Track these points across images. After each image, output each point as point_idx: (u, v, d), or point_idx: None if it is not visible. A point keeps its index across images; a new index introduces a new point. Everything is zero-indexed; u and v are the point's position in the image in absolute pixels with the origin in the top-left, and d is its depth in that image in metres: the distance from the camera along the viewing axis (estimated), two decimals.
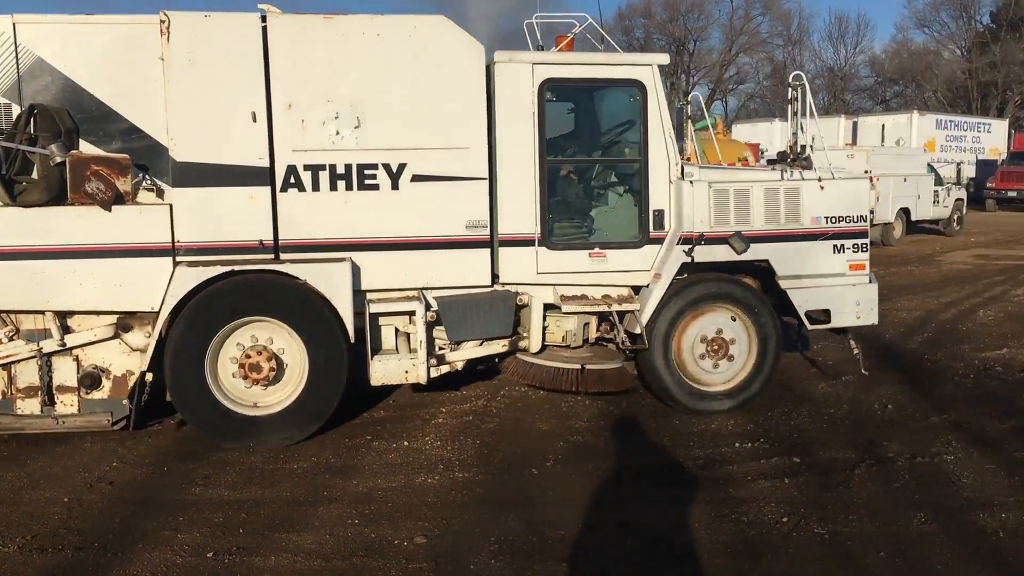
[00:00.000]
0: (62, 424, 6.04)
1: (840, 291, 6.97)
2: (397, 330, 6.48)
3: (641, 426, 6.59)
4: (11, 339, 5.98)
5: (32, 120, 5.80)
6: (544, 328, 6.75)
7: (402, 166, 6.18)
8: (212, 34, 5.92)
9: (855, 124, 31.64)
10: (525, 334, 6.67)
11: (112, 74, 5.96)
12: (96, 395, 6.08)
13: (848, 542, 4.56)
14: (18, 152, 5.79)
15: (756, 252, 6.76)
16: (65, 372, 6.04)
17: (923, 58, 51.36)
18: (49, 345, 5.98)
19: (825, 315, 6.99)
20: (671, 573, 4.30)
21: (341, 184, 6.12)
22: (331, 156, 6.09)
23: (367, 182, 6.15)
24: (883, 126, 30.61)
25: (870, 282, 7.07)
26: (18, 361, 5.99)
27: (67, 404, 6.07)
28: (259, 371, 6.00)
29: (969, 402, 7.05)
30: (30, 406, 6.01)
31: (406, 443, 6.22)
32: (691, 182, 6.63)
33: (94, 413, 6.07)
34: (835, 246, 6.94)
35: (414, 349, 6.34)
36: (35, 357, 5.96)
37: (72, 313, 6.00)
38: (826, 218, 6.91)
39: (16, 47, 5.90)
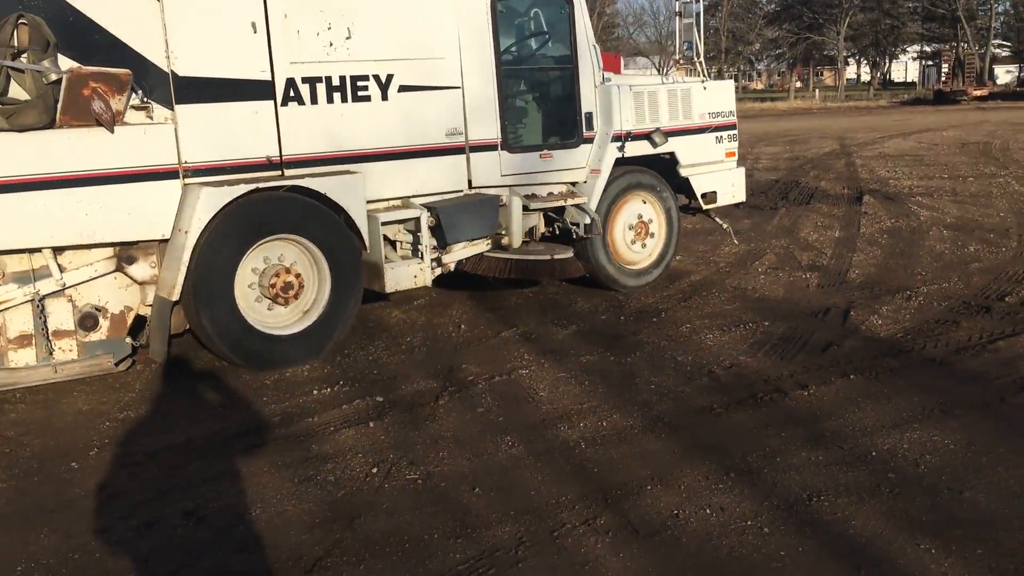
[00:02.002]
0: (61, 372, 5.50)
1: (721, 175, 8.24)
2: (386, 237, 6.49)
3: (203, 385, 5.77)
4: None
5: (15, 33, 5.08)
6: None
7: (390, 77, 6.32)
8: None
9: None
10: (504, 232, 6.98)
11: None
12: (94, 336, 5.64)
13: (442, 483, 4.28)
14: (1, 69, 5.07)
15: (665, 146, 7.68)
16: (60, 315, 5.51)
17: None
18: (47, 286, 5.41)
19: (713, 196, 8.19)
20: (251, 564, 3.67)
21: (337, 96, 6.13)
22: (326, 68, 6.07)
23: (360, 93, 6.21)
24: None
25: (738, 166, 8.39)
26: (6, 308, 5.35)
27: (65, 350, 5.55)
28: (289, 289, 5.95)
29: (533, 312, 7.25)
30: (24, 356, 5.45)
31: None
32: (617, 87, 7.39)
33: (95, 356, 5.61)
34: (716, 137, 8.15)
35: (404, 255, 6.58)
36: (32, 301, 5.39)
37: (63, 249, 5.45)
38: (709, 114, 8.04)
39: None
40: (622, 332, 6.63)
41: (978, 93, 43.95)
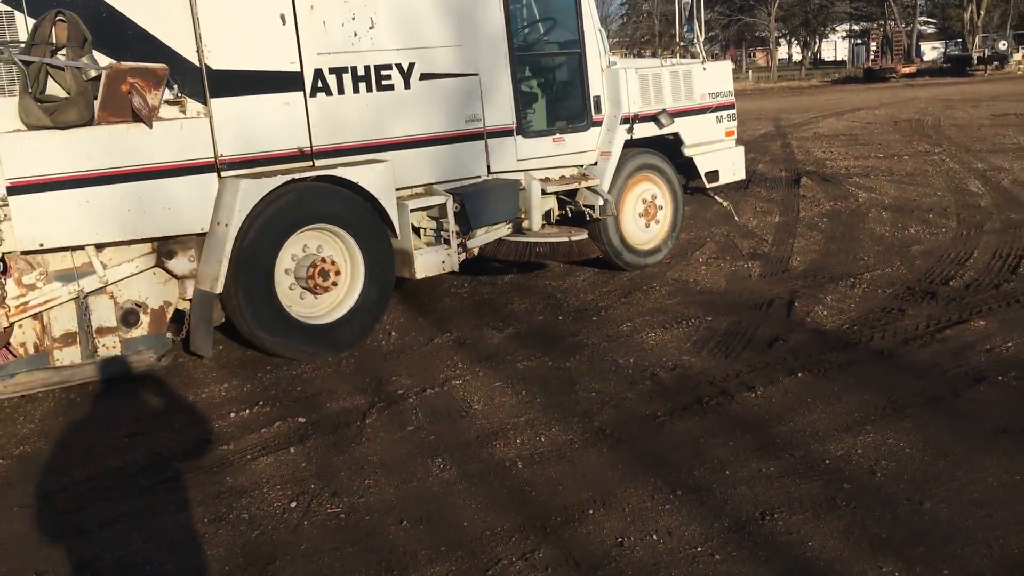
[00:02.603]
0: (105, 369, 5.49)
1: (722, 154, 8.41)
2: (411, 224, 6.52)
3: (110, 412, 5.30)
4: (43, 283, 5.28)
5: (53, 30, 5.05)
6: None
7: (412, 65, 6.36)
8: None
9: None
10: (523, 216, 7.09)
11: None
12: (135, 333, 5.64)
13: (367, 517, 3.91)
14: (41, 67, 5.05)
15: (670, 126, 7.81)
16: (103, 312, 5.49)
17: None
18: (90, 283, 5.40)
19: (715, 175, 8.36)
20: None
21: (362, 86, 6.16)
22: (352, 58, 6.10)
23: (384, 83, 6.25)
24: None
25: (736, 145, 8.59)
26: (52, 307, 5.33)
27: (109, 347, 5.53)
28: (326, 278, 5.97)
29: (467, 314, 6.90)
30: (69, 355, 5.42)
31: None
32: (624, 69, 7.53)
33: (138, 352, 5.61)
34: (717, 117, 8.30)
35: (428, 242, 6.63)
36: (77, 299, 5.37)
37: (103, 246, 5.44)
38: (709, 94, 8.21)
39: None
40: (561, 333, 6.32)
41: (907, 70, 44.62)
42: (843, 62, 70.43)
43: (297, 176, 5.79)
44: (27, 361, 5.34)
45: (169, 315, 5.80)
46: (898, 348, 5.53)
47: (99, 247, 5.42)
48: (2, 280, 5.17)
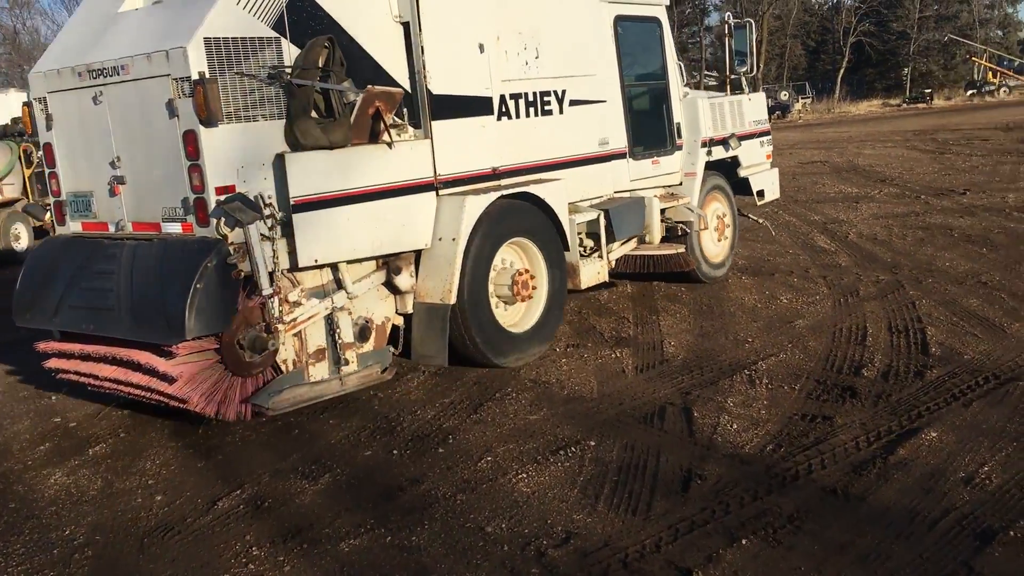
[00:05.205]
0: (346, 384, 5.55)
1: (766, 175, 9.23)
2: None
3: None
4: (304, 300, 5.31)
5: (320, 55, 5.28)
6: None
7: (564, 92, 6.85)
8: None
9: None
10: (645, 230, 7.69)
11: (360, 11, 5.62)
12: (366, 347, 5.72)
13: None
14: (311, 90, 5.15)
15: (735, 150, 8.54)
16: (345, 328, 5.54)
17: None
18: (340, 299, 5.52)
19: (762, 194, 9.11)
20: None
21: (532, 111, 6.59)
22: (524, 85, 6.52)
23: (545, 108, 6.71)
24: None
25: (772, 167, 9.41)
26: (311, 324, 5.35)
27: (351, 362, 5.59)
28: (527, 288, 6.33)
29: (268, 451, 5.04)
30: (319, 371, 5.46)
31: None
32: (698, 99, 8.15)
33: (368, 366, 5.69)
34: (760, 141, 9.14)
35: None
36: (330, 314, 5.45)
37: (350, 263, 5.56)
38: (754, 121, 8.99)
39: None
40: (398, 480, 4.59)
41: None
42: None
43: (505, 193, 6.12)
44: (288, 378, 5.29)
45: (388, 329, 5.90)
46: (851, 482, 4.18)
47: (336, 264, 5.46)
48: (277, 299, 5.07)
